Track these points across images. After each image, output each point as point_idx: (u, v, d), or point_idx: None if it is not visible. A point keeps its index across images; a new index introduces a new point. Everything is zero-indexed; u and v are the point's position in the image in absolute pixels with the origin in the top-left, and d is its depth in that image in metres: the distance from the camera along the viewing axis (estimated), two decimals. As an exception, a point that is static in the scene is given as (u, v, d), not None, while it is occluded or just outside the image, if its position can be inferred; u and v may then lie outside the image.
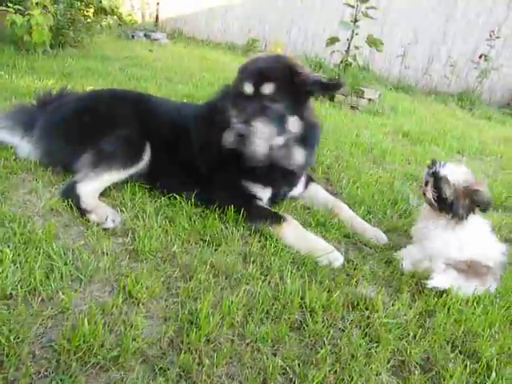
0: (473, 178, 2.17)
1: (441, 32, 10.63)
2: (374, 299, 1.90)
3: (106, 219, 2.17)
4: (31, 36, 6.17)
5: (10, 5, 6.27)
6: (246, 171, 2.44)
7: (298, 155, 2.47)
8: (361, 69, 7.07)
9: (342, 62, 6.90)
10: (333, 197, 2.87)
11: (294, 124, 2.35)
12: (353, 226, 2.58)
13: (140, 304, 1.68)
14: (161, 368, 1.41)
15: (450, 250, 2.11)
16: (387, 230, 2.64)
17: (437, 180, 2.15)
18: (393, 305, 1.91)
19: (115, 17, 13.51)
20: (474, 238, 2.14)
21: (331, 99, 6.55)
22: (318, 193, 2.88)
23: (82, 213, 2.23)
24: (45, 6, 6.49)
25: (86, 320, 1.48)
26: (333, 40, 6.84)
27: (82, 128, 2.55)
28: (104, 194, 2.45)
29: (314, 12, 11.31)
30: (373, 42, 6.68)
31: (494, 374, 1.60)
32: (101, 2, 10.12)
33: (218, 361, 1.46)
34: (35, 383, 1.30)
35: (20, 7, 6.39)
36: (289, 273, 1.98)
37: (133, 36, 10.68)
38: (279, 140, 2.33)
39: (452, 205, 2.10)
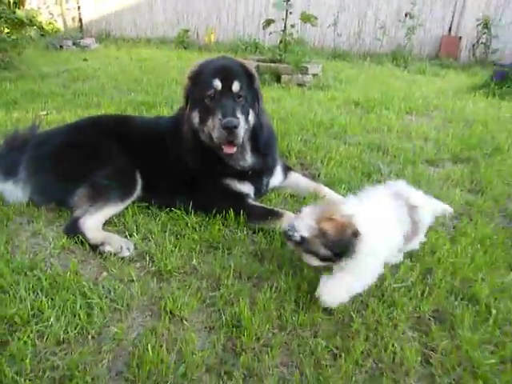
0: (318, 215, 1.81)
1: (364, -4, 11.03)
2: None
3: (121, 248, 2.24)
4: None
5: None
6: (225, 171, 2.63)
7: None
8: (299, 45, 7.28)
9: (281, 41, 7.08)
10: (312, 182, 3.05)
11: (252, 116, 2.61)
12: None
13: (184, 320, 1.80)
14: (225, 372, 1.57)
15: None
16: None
17: (305, 246, 1.82)
18: (398, 271, 2.16)
19: (35, 27, 12.86)
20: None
21: (278, 81, 6.73)
22: (298, 180, 3.06)
23: (94, 247, 2.28)
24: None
25: (148, 346, 1.60)
26: (269, 22, 7.00)
27: (70, 163, 2.58)
28: (106, 222, 2.51)
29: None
30: (307, 18, 6.89)
31: (493, 310, 1.90)
32: (14, 12, 9.58)
33: (272, 354, 1.63)
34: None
35: None
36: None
37: (61, 46, 10.26)
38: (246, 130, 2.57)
39: (337, 250, 1.77)
